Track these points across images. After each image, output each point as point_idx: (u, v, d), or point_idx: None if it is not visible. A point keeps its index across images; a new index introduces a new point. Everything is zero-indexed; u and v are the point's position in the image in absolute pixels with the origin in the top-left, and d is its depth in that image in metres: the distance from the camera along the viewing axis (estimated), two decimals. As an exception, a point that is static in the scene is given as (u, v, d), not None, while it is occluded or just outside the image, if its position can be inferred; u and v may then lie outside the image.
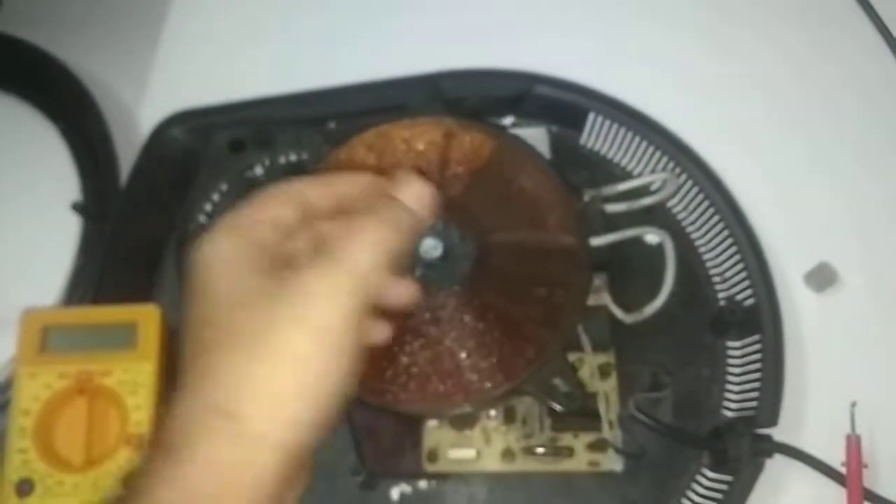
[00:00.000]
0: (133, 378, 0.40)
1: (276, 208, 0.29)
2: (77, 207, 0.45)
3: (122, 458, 0.39)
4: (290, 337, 0.26)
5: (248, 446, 0.25)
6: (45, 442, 0.39)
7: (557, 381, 0.37)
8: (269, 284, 0.27)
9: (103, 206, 0.45)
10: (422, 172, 0.39)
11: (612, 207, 0.44)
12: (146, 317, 0.41)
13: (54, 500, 0.38)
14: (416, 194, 0.30)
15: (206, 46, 0.52)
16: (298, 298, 0.26)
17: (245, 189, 0.46)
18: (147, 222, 0.45)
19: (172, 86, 0.50)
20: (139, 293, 0.44)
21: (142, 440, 0.39)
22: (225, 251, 0.27)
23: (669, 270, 0.43)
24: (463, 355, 0.38)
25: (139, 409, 0.39)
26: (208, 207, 0.46)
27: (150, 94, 0.50)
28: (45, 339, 0.41)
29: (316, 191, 0.30)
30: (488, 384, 0.37)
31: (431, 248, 0.38)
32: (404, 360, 0.38)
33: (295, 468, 0.26)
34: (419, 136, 0.41)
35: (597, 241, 0.43)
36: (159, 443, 0.26)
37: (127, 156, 0.46)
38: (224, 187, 0.46)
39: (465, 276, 0.38)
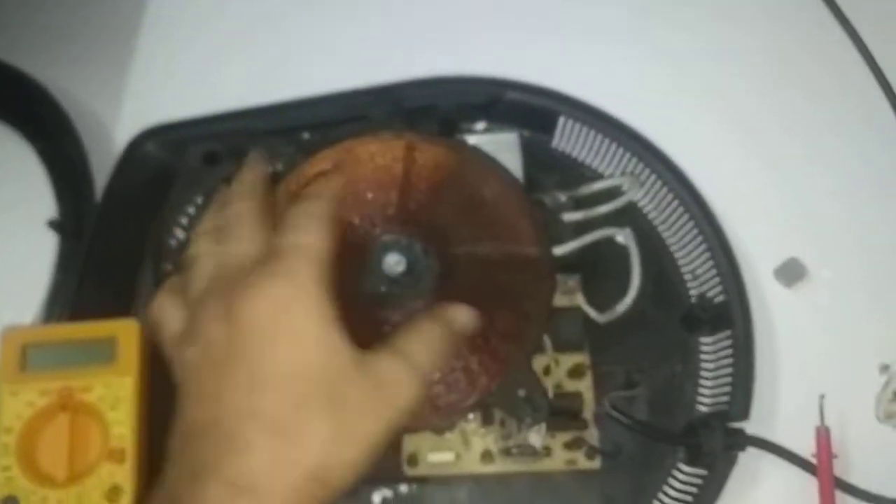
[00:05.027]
0: (114, 393, 0.40)
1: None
2: (53, 225, 0.45)
3: (105, 473, 0.39)
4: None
5: None
6: (29, 459, 0.39)
7: (521, 392, 0.38)
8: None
9: (80, 223, 0.45)
10: (385, 187, 0.40)
11: (569, 216, 0.45)
12: (125, 331, 0.41)
13: (39, 516, 0.39)
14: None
15: (178, 61, 0.52)
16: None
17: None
18: (123, 237, 0.45)
19: (147, 101, 0.50)
20: (117, 308, 0.44)
21: (123, 454, 0.39)
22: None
23: (635, 268, 0.44)
24: None
25: (120, 423, 0.39)
26: (184, 221, 0.46)
27: (125, 110, 0.50)
28: (25, 357, 0.41)
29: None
30: (455, 397, 0.37)
31: (395, 263, 0.38)
32: None
33: None
34: (383, 151, 0.41)
35: (563, 248, 0.43)
36: None
37: (103, 172, 0.46)
38: (199, 200, 0.46)
39: (430, 290, 0.38)
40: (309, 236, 0.31)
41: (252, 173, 0.37)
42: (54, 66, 0.50)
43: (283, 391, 0.27)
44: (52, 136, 0.47)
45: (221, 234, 0.34)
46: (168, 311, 0.34)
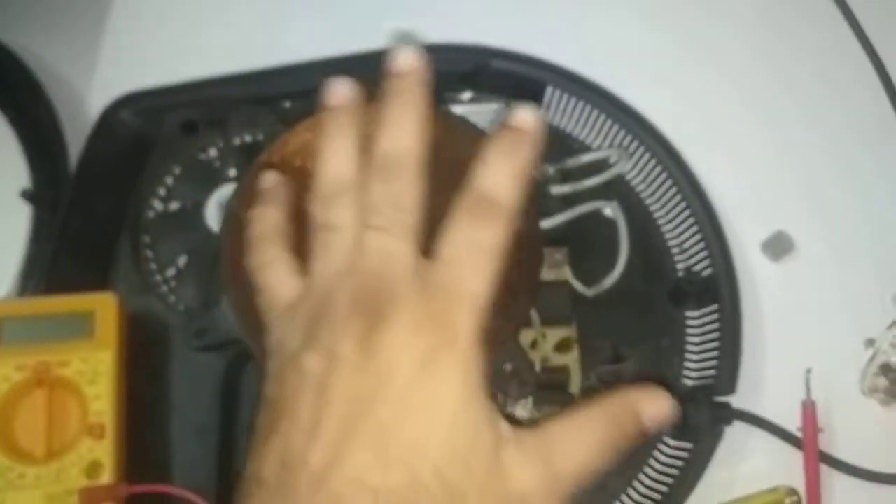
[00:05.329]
0: (92, 367, 0.39)
1: None
2: (27, 195, 0.44)
3: (84, 448, 0.38)
4: None
5: None
6: (5, 435, 0.38)
7: (508, 366, 0.37)
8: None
9: (54, 194, 0.44)
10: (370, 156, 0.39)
11: (557, 189, 0.44)
12: (103, 304, 0.40)
13: (17, 493, 0.38)
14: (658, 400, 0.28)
15: (155, 27, 0.50)
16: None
17: (199, 171, 0.45)
18: (99, 208, 0.44)
19: (121, 68, 0.49)
20: (94, 281, 0.43)
21: (102, 429, 0.38)
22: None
23: (623, 241, 0.44)
24: None
25: (99, 398, 0.39)
26: (162, 191, 0.45)
27: (99, 77, 0.49)
28: (0, 331, 0.40)
29: None
30: None
31: None
32: None
33: None
34: (367, 120, 0.40)
35: (550, 221, 0.43)
36: None
37: (77, 141, 0.45)
38: (177, 170, 0.45)
39: None
40: (476, 279, 0.27)
41: (413, 94, 0.30)
42: (26, 32, 0.48)
43: (407, 474, 0.24)
44: (25, 104, 0.46)
45: (367, 209, 0.28)
46: (279, 271, 0.30)
